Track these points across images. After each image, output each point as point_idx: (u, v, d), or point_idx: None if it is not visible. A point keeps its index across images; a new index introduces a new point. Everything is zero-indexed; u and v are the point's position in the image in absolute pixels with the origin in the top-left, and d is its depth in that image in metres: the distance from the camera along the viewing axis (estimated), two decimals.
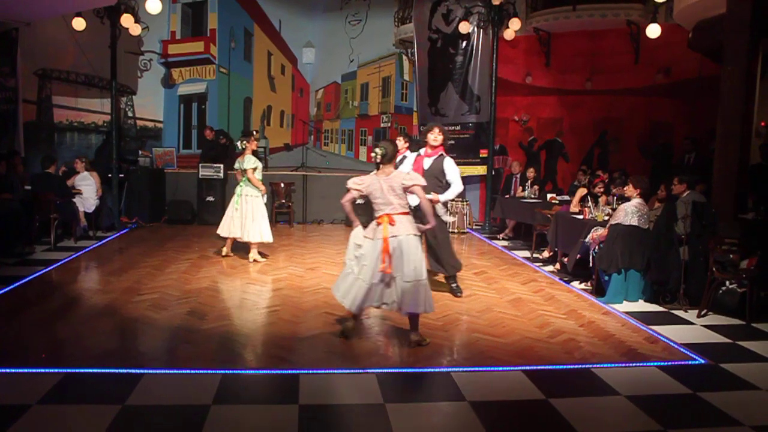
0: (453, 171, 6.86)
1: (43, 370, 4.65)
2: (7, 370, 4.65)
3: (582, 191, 9.47)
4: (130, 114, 14.95)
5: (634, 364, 5.23)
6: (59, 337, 5.51)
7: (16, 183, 9.62)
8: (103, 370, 4.69)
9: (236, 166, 8.81)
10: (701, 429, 4.09)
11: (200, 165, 12.45)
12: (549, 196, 10.87)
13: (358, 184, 5.43)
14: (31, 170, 10.90)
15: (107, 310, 6.32)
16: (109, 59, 11.48)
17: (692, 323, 6.48)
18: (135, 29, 11.29)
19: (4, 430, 3.71)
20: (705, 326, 6.36)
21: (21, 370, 4.66)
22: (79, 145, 13.76)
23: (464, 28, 12.23)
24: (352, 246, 5.59)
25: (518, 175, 12.18)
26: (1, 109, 11.73)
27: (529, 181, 11.68)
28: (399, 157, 9.20)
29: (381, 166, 5.40)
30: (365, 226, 5.56)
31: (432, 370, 4.99)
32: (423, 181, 5.44)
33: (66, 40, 13.01)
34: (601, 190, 9.25)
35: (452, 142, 7.02)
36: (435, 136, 6.92)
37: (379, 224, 5.36)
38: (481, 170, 12.83)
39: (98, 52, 12.40)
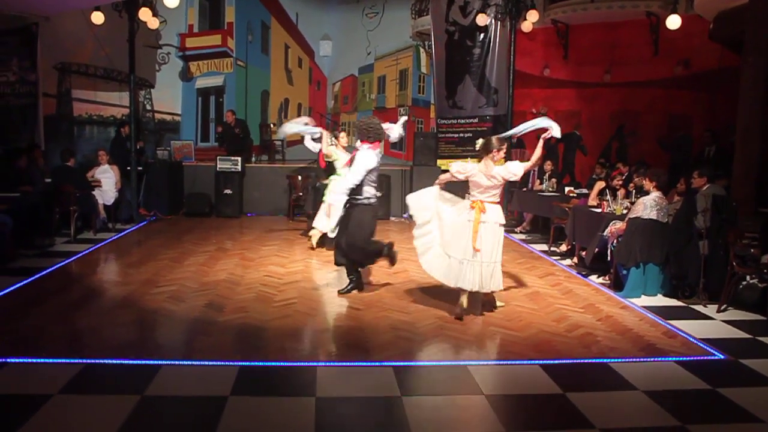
0: (355, 163, 6.63)
1: (64, 361, 4.71)
2: (30, 360, 4.71)
3: (600, 184, 9.40)
4: (148, 107, 15.05)
5: (652, 359, 5.19)
6: (79, 328, 5.58)
7: (36, 176, 9.73)
8: (122, 361, 4.74)
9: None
10: (720, 425, 4.06)
11: (218, 158, 12.52)
12: (567, 189, 10.79)
13: (460, 172, 6.17)
14: (52, 163, 11.01)
15: (126, 302, 6.38)
16: (128, 53, 11.53)
17: (712, 318, 6.42)
18: (153, 23, 11.35)
19: (27, 418, 3.77)
20: (724, 321, 6.30)
21: (43, 360, 4.72)
22: (98, 138, 13.88)
23: (481, 20, 12.16)
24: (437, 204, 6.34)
25: (536, 168, 12.10)
26: (21, 103, 11.87)
27: (547, 174, 11.61)
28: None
29: (485, 157, 6.15)
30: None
31: (449, 363, 4.99)
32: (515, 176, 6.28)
33: (85, 34, 13.11)
34: (620, 183, 9.17)
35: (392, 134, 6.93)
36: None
37: (472, 208, 6.06)
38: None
39: (116, 45, 12.47)
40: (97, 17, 11.06)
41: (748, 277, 6.74)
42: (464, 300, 6.11)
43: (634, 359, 5.16)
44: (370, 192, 6.58)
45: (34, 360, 4.73)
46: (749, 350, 5.46)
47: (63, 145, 11.62)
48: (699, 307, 6.75)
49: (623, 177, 9.53)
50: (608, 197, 8.51)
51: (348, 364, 4.91)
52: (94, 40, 13.32)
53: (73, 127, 13.74)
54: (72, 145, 12.35)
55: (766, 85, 8.12)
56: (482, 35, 12.66)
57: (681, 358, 5.19)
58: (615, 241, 7.52)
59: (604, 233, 7.75)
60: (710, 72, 12.08)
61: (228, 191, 12.41)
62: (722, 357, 5.27)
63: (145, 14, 10.93)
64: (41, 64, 12.02)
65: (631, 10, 11.96)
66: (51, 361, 4.72)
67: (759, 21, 8.13)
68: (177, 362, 4.80)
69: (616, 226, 7.55)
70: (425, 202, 6.45)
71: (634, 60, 13.00)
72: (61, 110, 13.39)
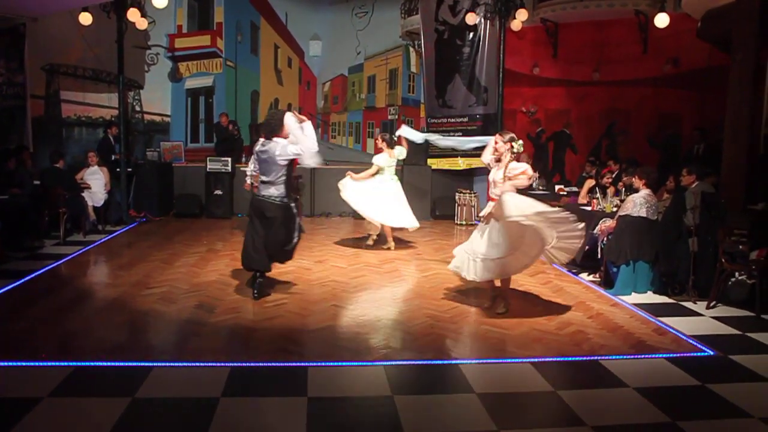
0: None
1: (53, 364, 4.68)
2: (19, 364, 4.68)
3: (590, 182, 9.45)
4: (137, 108, 14.99)
5: (642, 356, 5.22)
6: (69, 331, 5.54)
7: (25, 178, 9.67)
8: (112, 364, 4.72)
9: (384, 162, 9.23)
10: (710, 421, 4.08)
11: (208, 159, 12.49)
12: (557, 187, 10.84)
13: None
14: (40, 165, 10.95)
15: (116, 304, 6.35)
16: (116, 54, 11.48)
17: (701, 315, 6.46)
18: (141, 23, 11.31)
19: (17, 422, 3.75)
20: (714, 318, 6.34)
21: (32, 364, 4.69)
22: (87, 139, 13.81)
23: (471, 19, 12.17)
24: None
25: None
26: (9, 105, 11.80)
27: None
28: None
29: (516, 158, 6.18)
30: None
31: (440, 362, 5.00)
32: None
33: (73, 35, 13.05)
34: (609, 180, 9.21)
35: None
36: None
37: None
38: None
39: (105, 46, 12.43)
40: (85, 18, 11.00)
41: (737, 274, 6.78)
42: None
43: (625, 356, 5.19)
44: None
45: (24, 363, 4.69)
46: (738, 346, 5.50)
47: (51, 147, 11.56)
48: (689, 304, 6.79)
49: (613, 175, 9.57)
50: (598, 195, 8.55)
51: (339, 364, 4.90)
52: (82, 41, 13.25)
53: (62, 128, 13.67)
54: (61, 147, 12.28)
55: (753, 84, 8.17)
56: (472, 34, 12.68)
57: (671, 355, 5.21)
58: (605, 238, 7.56)
59: (595, 231, 7.79)
60: (699, 70, 12.14)
61: (218, 192, 12.37)
62: (712, 353, 5.30)
63: (133, 15, 10.88)
64: (29, 65, 11.95)
65: (619, 8, 11.97)
66: (41, 364, 4.69)
67: (746, 19, 8.18)
68: (168, 364, 4.78)
69: (606, 224, 7.59)
70: None
71: (623, 58, 13.04)
72: (49, 112, 13.33)
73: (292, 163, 6.60)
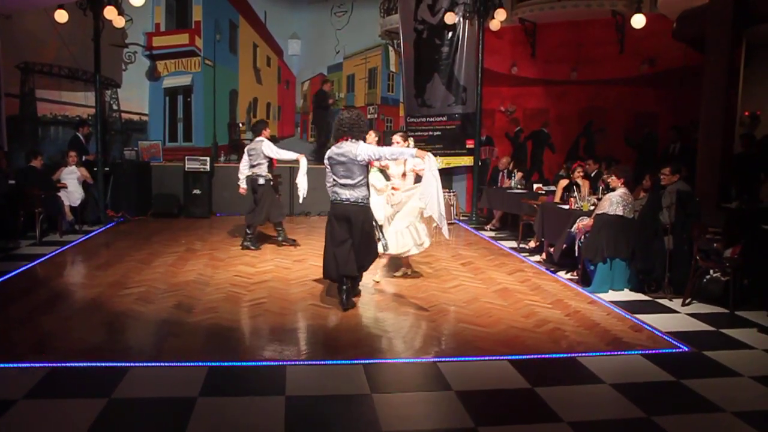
0: None
1: (29, 365, 4.63)
2: None
3: (563, 182, 9.51)
4: (114, 107, 14.85)
5: (618, 353, 5.27)
6: (45, 332, 5.48)
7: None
8: (89, 364, 4.68)
9: None
10: (684, 416, 4.14)
11: (186, 158, 12.40)
12: (535, 186, 10.90)
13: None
14: (15, 165, 10.81)
15: (94, 304, 6.30)
16: (93, 52, 11.35)
17: (676, 312, 6.53)
18: (118, 21, 11.18)
19: None
20: (689, 314, 6.42)
21: (7, 365, 4.63)
22: (63, 138, 13.63)
23: (450, 18, 12.21)
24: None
25: (505, 170, 12.21)
26: None
27: (506, 170, 11.78)
28: None
29: None
30: None
31: (418, 360, 5.01)
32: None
33: (48, 33, 12.89)
34: (581, 175, 9.26)
35: None
36: None
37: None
38: (467, 161, 12.85)
39: (81, 44, 12.30)
40: (61, 16, 10.87)
41: (711, 271, 6.87)
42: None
43: (602, 353, 5.23)
44: None
45: None
46: (712, 342, 5.57)
47: (27, 147, 11.43)
48: (664, 301, 6.87)
49: (583, 169, 9.61)
50: (575, 194, 8.61)
51: (318, 362, 4.91)
52: (58, 39, 13.10)
53: (38, 127, 13.50)
54: (36, 146, 12.14)
55: (727, 83, 8.29)
56: (451, 34, 12.72)
57: (647, 351, 5.27)
58: (582, 237, 7.62)
59: (572, 229, 7.84)
60: (675, 70, 12.29)
61: (197, 191, 12.30)
62: (686, 349, 5.37)
63: (110, 13, 10.76)
64: (3, 63, 11.79)
65: (596, 9, 12.11)
66: (15, 365, 4.64)
67: (720, 20, 8.29)
68: (145, 364, 4.75)
69: (584, 223, 7.65)
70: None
71: (601, 58, 13.17)
72: (24, 111, 13.15)
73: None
